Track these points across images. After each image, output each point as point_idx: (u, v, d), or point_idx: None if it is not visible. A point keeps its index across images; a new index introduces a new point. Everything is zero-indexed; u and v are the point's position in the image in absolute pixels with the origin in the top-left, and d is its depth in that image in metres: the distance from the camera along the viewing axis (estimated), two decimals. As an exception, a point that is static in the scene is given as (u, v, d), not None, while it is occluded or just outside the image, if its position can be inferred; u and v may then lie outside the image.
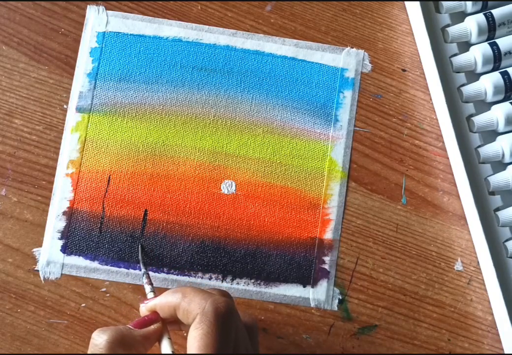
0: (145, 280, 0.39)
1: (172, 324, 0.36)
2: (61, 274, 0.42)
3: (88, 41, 0.44)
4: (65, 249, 0.42)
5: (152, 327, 0.35)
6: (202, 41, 0.45)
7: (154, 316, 0.35)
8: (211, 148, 0.44)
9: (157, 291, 0.42)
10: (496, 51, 0.43)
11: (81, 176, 0.43)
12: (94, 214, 0.42)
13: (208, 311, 0.32)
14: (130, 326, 0.34)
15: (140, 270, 0.41)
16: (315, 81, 0.45)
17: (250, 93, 0.45)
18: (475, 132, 0.44)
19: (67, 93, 0.44)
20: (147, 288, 0.39)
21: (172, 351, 0.34)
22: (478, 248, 0.43)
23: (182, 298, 0.33)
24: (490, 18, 0.43)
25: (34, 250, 0.42)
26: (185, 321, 0.34)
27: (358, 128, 0.45)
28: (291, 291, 0.43)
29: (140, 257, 0.42)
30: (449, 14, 0.45)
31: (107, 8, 0.44)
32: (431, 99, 0.45)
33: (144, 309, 0.36)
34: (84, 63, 0.44)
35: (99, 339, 0.33)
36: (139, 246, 0.42)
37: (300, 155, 0.44)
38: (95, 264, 0.42)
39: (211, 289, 0.36)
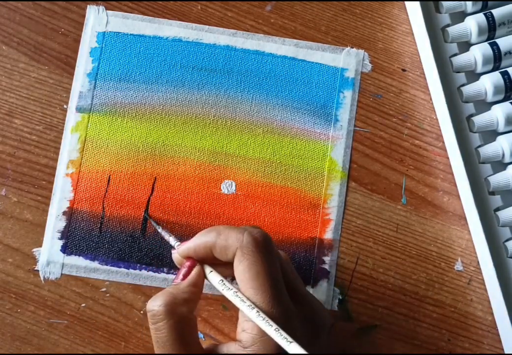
0: (165, 235, 0.40)
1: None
2: (61, 274, 0.42)
3: (88, 41, 0.44)
4: (65, 249, 0.42)
5: (193, 272, 0.35)
6: (202, 41, 0.45)
7: (191, 262, 0.35)
8: (211, 148, 0.44)
9: (157, 291, 0.42)
10: (496, 51, 0.43)
11: (81, 176, 0.43)
12: (94, 214, 0.42)
13: (248, 242, 0.33)
14: (174, 283, 0.35)
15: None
16: (315, 81, 0.45)
17: (250, 93, 0.45)
18: (475, 132, 0.44)
19: (67, 93, 0.44)
20: (172, 240, 0.39)
21: (221, 279, 0.34)
22: (478, 248, 0.43)
23: (217, 236, 0.34)
24: (490, 18, 0.43)
25: (34, 250, 0.42)
26: (223, 258, 0.34)
27: (358, 128, 0.45)
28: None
29: (151, 221, 0.42)
30: (449, 14, 0.45)
31: (107, 8, 0.44)
32: (431, 99, 0.45)
33: (177, 254, 0.36)
34: (84, 63, 0.44)
35: (154, 307, 0.33)
36: (146, 215, 0.42)
37: (300, 155, 0.44)
38: (95, 264, 0.42)
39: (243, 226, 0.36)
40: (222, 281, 0.34)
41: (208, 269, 0.35)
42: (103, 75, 0.44)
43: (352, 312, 0.43)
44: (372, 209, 0.44)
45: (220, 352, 0.33)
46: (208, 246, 0.34)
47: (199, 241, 0.35)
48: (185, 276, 0.35)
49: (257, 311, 0.31)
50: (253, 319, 0.31)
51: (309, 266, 0.43)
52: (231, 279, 0.35)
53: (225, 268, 0.35)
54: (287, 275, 0.35)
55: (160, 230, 0.41)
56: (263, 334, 0.31)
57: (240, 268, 0.33)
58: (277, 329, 0.31)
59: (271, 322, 0.31)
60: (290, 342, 0.30)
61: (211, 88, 0.44)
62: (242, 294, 0.33)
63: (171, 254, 0.42)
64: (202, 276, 0.35)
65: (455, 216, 0.44)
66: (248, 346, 0.32)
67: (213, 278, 0.35)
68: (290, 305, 0.33)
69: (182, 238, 0.42)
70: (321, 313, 0.35)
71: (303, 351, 0.30)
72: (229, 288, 0.34)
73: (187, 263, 0.35)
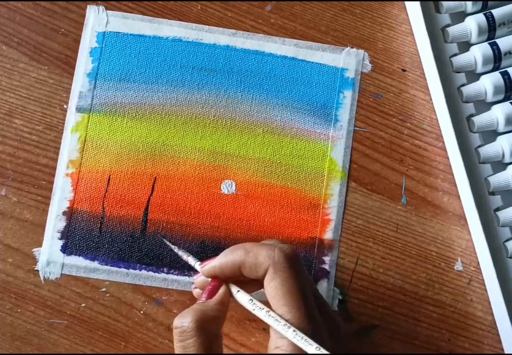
0: (183, 255, 0.39)
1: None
2: (61, 274, 0.42)
3: (88, 41, 0.44)
4: (65, 249, 0.42)
5: (221, 291, 0.34)
6: (202, 41, 0.45)
7: (217, 282, 0.35)
8: (211, 148, 0.44)
9: (157, 291, 0.42)
10: (496, 51, 0.43)
11: (81, 176, 0.43)
12: (94, 214, 0.42)
13: (280, 259, 0.33)
14: (200, 301, 0.34)
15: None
16: (315, 81, 0.45)
17: (250, 93, 0.45)
18: (475, 132, 0.44)
19: (67, 93, 0.44)
20: (191, 260, 0.38)
21: (251, 299, 0.34)
22: (478, 248, 0.43)
23: (245, 254, 0.33)
24: (490, 18, 0.43)
25: (34, 250, 0.42)
26: (252, 276, 0.34)
27: (358, 128, 0.45)
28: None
29: (166, 242, 0.42)
30: (449, 14, 0.45)
31: (107, 8, 0.44)
32: (431, 99, 0.45)
33: (203, 272, 0.35)
34: (84, 63, 0.44)
35: (184, 324, 0.32)
36: (163, 238, 0.42)
37: (300, 155, 0.44)
38: (95, 264, 0.42)
39: (267, 240, 0.36)
40: (252, 300, 0.34)
41: (234, 289, 0.35)
42: (103, 75, 0.44)
43: (352, 312, 0.43)
44: (372, 209, 0.44)
45: None
46: (236, 264, 0.34)
47: (226, 259, 0.34)
48: (210, 295, 0.34)
49: (294, 330, 0.31)
50: (291, 339, 0.31)
51: (309, 266, 0.43)
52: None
53: (248, 285, 0.35)
54: (314, 288, 0.35)
55: (176, 250, 0.40)
56: (298, 353, 0.31)
57: (273, 285, 0.32)
58: (318, 348, 0.30)
59: (311, 341, 0.31)
60: None
61: (211, 88, 0.44)
62: (274, 312, 0.32)
63: (171, 254, 0.42)
64: (229, 295, 0.35)
65: (455, 216, 0.44)
66: None
67: (242, 297, 0.34)
68: (320, 320, 0.33)
69: (181, 238, 0.43)
70: (340, 324, 0.35)
71: None
72: (261, 308, 0.33)
73: (212, 283, 0.35)
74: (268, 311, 0.32)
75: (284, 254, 0.33)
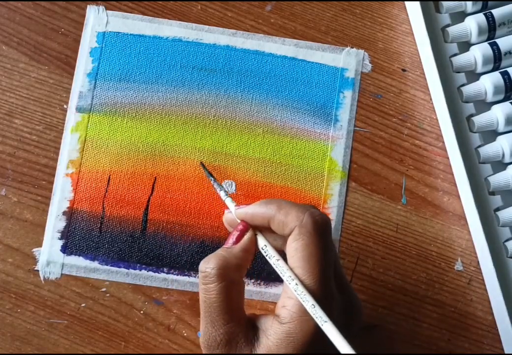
0: (217, 188, 0.40)
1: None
2: (61, 274, 0.42)
3: (88, 41, 0.44)
4: (65, 249, 0.42)
5: (246, 237, 0.35)
6: (202, 41, 0.45)
7: (245, 227, 0.35)
8: (211, 148, 0.44)
9: (157, 291, 0.42)
10: (496, 51, 0.43)
11: (81, 176, 0.43)
12: (94, 214, 0.42)
13: (307, 223, 0.33)
14: (226, 246, 0.35)
15: None
16: (315, 81, 0.45)
17: (250, 93, 0.45)
18: (475, 132, 0.44)
19: (67, 93, 0.44)
20: (223, 194, 0.39)
21: (265, 244, 0.35)
22: (478, 248, 0.43)
23: (277, 210, 0.34)
24: (490, 18, 0.43)
25: (34, 250, 0.42)
26: (279, 232, 0.34)
27: (358, 128, 0.45)
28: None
29: (205, 170, 0.42)
30: (449, 14, 0.45)
31: (107, 8, 0.44)
32: (431, 99, 0.45)
33: (234, 215, 0.36)
34: (84, 63, 0.44)
35: (208, 269, 0.33)
36: (201, 163, 0.43)
37: (300, 155, 0.44)
38: (95, 264, 0.42)
39: (303, 204, 0.36)
40: (266, 246, 0.35)
41: (255, 233, 0.35)
42: (103, 75, 0.44)
43: (352, 312, 0.43)
44: (372, 209, 0.44)
45: (259, 324, 0.34)
46: (266, 217, 0.34)
47: (259, 210, 0.35)
48: (237, 239, 0.35)
49: (297, 284, 0.32)
50: (292, 291, 0.32)
51: (309, 266, 0.43)
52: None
53: (274, 239, 0.35)
54: (337, 263, 0.35)
55: (212, 182, 0.40)
56: (302, 314, 0.32)
57: (293, 246, 0.33)
58: (313, 306, 0.31)
59: (309, 298, 0.31)
60: (325, 321, 0.30)
61: (211, 88, 0.44)
62: (283, 263, 0.33)
63: (171, 254, 0.42)
64: (254, 241, 0.35)
65: (455, 216, 0.44)
66: (285, 323, 0.32)
67: (258, 241, 0.35)
68: (335, 293, 0.33)
69: (181, 238, 0.43)
70: (359, 310, 0.35)
71: (336, 332, 0.30)
72: (272, 255, 0.34)
73: (240, 227, 0.35)
74: (278, 260, 0.33)
75: (313, 219, 0.33)
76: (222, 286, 0.33)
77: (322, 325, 0.31)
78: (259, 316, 0.34)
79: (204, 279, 0.33)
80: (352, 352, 0.30)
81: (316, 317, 0.31)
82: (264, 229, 0.35)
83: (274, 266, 0.34)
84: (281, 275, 0.33)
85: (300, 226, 0.33)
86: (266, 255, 0.34)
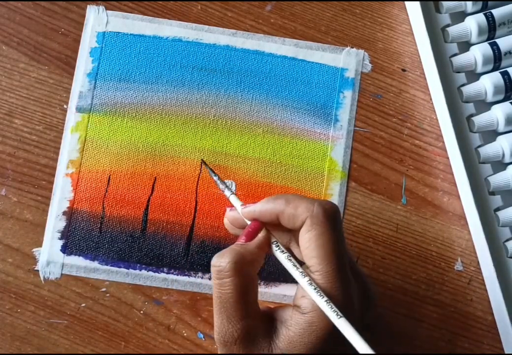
0: (220, 185, 0.40)
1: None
2: (61, 274, 0.42)
3: (88, 41, 0.44)
4: (65, 249, 0.42)
5: (261, 235, 0.35)
6: (202, 41, 0.45)
7: (258, 225, 0.35)
8: (211, 148, 0.44)
9: (157, 291, 0.42)
10: (496, 51, 0.43)
11: (81, 176, 0.43)
12: (94, 214, 0.42)
13: (318, 213, 0.33)
14: (240, 242, 0.35)
15: None
16: (315, 81, 0.45)
17: (250, 93, 0.45)
18: (475, 132, 0.44)
19: (67, 93, 0.44)
20: (227, 191, 0.39)
21: (275, 240, 0.35)
22: (478, 248, 0.43)
23: (286, 204, 0.34)
24: (490, 18, 0.43)
25: (34, 250, 0.42)
26: (289, 226, 0.34)
27: (358, 128, 0.45)
28: (291, 291, 0.43)
29: (207, 168, 0.42)
30: (449, 14, 0.45)
31: (107, 8, 0.44)
32: (431, 99, 0.45)
33: (240, 213, 0.36)
34: (84, 63, 0.44)
35: (222, 263, 0.33)
36: (202, 160, 0.43)
37: (300, 155, 0.44)
38: (95, 264, 0.42)
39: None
40: (276, 242, 0.34)
41: (272, 239, 0.35)
42: (103, 75, 0.44)
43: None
44: (372, 209, 0.44)
45: (276, 316, 0.34)
46: (275, 212, 0.34)
47: (267, 206, 0.34)
48: (250, 237, 0.35)
49: (309, 280, 0.32)
50: (304, 287, 0.32)
51: (309, 266, 0.43)
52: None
53: (279, 237, 0.35)
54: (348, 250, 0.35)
55: (216, 179, 0.40)
56: (318, 317, 0.32)
57: (307, 236, 0.33)
58: (328, 301, 0.31)
59: (322, 293, 0.31)
60: (340, 316, 0.30)
61: (211, 88, 0.44)
62: (295, 259, 0.33)
63: (171, 254, 0.42)
64: (268, 240, 0.35)
65: (455, 216, 0.44)
66: (307, 312, 0.32)
67: (277, 252, 0.35)
68: (352, 279, 0.33)
69: (181, 238, 0.43)
70: (373, 288, 0.36)
71: (350, 327, 0.30)
72: (283, 251, 0.34)
73: (254, 225, 0.35)
74: (290, 256, 0.33)
75: (324, 209, 0.33)
76: (238, 281, 0.33)
77: (337, 320, 0.30)
78: (276, 309, 0.35)
79: (219, 273, 0.33)
80: (371, 351, 0.30)
81: (331, 312, 0.31)
82: (270, 226, 0.35)
83: (284, 262, 0.33)
84: (291, 271, 0.33)
85: (311, 216, 0.33)
86: (277, 250, 0.34)
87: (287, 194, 0.35)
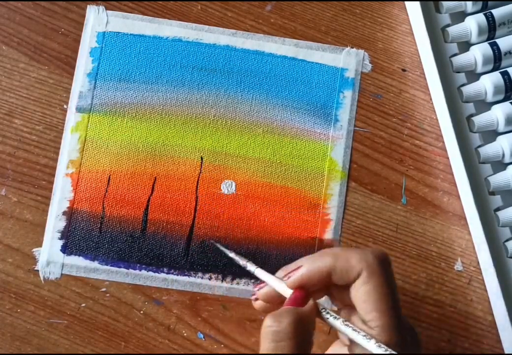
0: (240, 261, 0.38)
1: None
2: (61, 274, 0.42)
3: (88, 41, 0.44)
4: (65, 249, 0.42)
5: (310, 302, 0.32)
6: (202, 41, 0.45)
7: (303, 293, 0.32)
8: (211, 148, 0.44)
9: (157, 291, 0.42)
10: (496, 51, 0.43)
11: (81, 176, 0.43)
12: (94, 214, 0.42)
13: (374, 263, 0.32)
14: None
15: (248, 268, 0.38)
16: (315, 81, 0.45)
17: (250, 93, 0.45)
18: (475, 132, 0.44)
19: (67, 93, 0.44)
20: (250, 266, 0.37)
21: (323, 308, 0.32)
22: (478, 248, 0.43)
23: (335, 259, 0.32)
24: (490, 18, 0.43)
25: (34, 250, 0.42)
26: (342, 281, 0.32)
27: (358, 128, 0.45)
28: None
29: (219, 246, 0.41)
30: (449, 14, 0.45)
31: (107, 8, 0.44)
32: (431, 99, 0.45)
33: (289, 283, 0.33)
34: (84, 63, 0.44)
35: (281, 324, 0.30)
36: (213, 241, 0.42)
37: (300, 155, 0.44)
38: (95, 264, 0.42)
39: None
40: (325, 309, 0.32)
41: (320, 306, 0.33)
42: (103, 75, 0.44)
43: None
44: (372, 209, 0.44)
45: None
46: (326, 270, 0.32)
47: (314, 266, 0.32)
48: (300, 304, 0.32)
49: (376, 342, 0.30)
50: (372, 350, 0.30)
51: (309, 266, 0.43)
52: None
53: (320, 293, 0.34)
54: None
55: (233, 255, 0.39)
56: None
57: (365, 289, 0.31)
58: None
59: (392, 351, 0.30)
60: None
61: (211, 88, 0.44)
62: (352, 323, 0.31)
63: (171, 254, 0.42)
64: (316, 309, 0.32)
65: (455, 216, 0.44)
66: None
67: (331, 319, 0.32)
68: (406, 328, 0.32)
69: (181, 238, 0.42)
70: (417, 332, 0.34)
71: None
72: (336, 317, 0.32)
73: (297, 294, 0.32)
74: (345, 320, 0.31)
75: (377, 258, 0.32)
76: (297, 343, 0.30)
77: None
78: None
79: (276, 334, 0.30)
80: None
81: None
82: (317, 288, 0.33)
83: (343, 328, 0.31)
84: (352, 336, 0.31)
85: (367, 267, 0.31)
86: (330, 317, 0.32)
87: (332, 248, 0.33)
